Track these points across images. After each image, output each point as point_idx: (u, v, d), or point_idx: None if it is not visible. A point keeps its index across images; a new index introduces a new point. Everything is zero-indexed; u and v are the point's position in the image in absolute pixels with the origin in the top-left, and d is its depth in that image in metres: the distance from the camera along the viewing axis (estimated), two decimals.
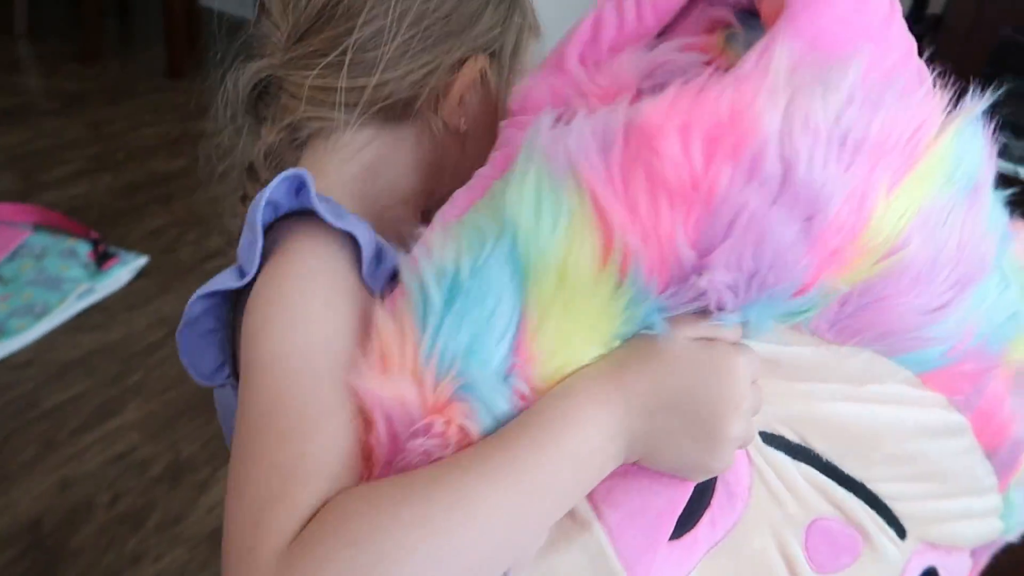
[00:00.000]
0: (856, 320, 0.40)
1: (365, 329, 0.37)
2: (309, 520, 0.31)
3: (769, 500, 0.45)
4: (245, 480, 0.34)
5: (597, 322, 0.36)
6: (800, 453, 0.45)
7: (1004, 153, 1.90)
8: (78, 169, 1.97)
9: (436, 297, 0.35)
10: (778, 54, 0.36)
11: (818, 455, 0.45)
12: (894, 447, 0.45)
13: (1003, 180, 0.44)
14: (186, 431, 1.27)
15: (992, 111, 0.42)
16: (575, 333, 0.36)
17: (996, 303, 0.43)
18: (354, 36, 0.46)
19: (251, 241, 0.40)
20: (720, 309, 0.36)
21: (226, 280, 0.42)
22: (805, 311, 0.39)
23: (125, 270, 1.59)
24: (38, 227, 1.63)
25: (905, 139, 0.37)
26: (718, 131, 0.34)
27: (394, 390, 0.35)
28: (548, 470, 0.34)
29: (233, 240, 0.43)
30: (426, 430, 0.34)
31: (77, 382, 1.33)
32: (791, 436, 0.44)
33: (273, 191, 0.40)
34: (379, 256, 0.41)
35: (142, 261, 1.63)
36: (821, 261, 0.36)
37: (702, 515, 0.42)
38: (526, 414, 0.35)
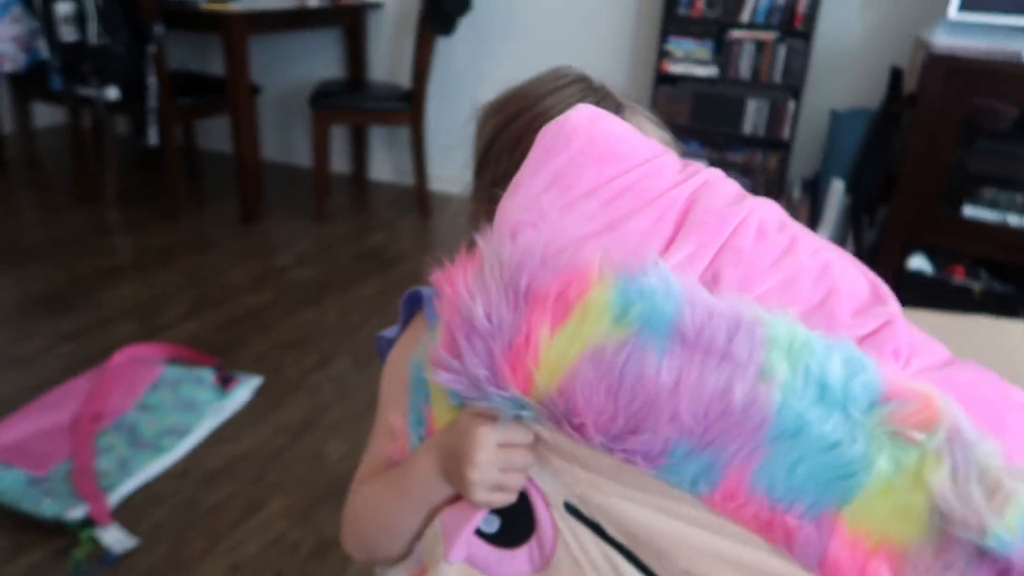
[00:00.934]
0: (582, 433, 0.49)
1: None
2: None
3: (571, 561, 0.54)
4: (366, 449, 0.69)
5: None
6: (596, 529, 0.52)
7: (991, 203, 2.15)
8: (185, 311, 2.27)
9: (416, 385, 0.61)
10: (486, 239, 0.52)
11: (612, 536, 0.52)
12: (687, 564, 0.48)
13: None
14: (324, 515, 1.49)
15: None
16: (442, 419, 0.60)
17: (810, 459, 0.44)
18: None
19: (401, 318, 0.71)
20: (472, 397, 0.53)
21: (389, 332, 0.73)
22: (522, 410, 0.51)
23: (245, 390, 1.85)
24: (170, 361, 1.91)
25: (555, 293, 0.47)
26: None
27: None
28: (413, 490, 0.60)
29: None
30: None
31: (226, 485, 1.56)
32: (585, 511, 0.53)
33: (410, 295, 0.69)
34: None
35: (257, 381, 1.89)
36: (513, 378, 0.48)
37: (527, 540, 0.56)
38: (407, 461, 0.62)
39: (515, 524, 0.56)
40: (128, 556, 1.37)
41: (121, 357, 1.88)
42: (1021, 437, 0.48)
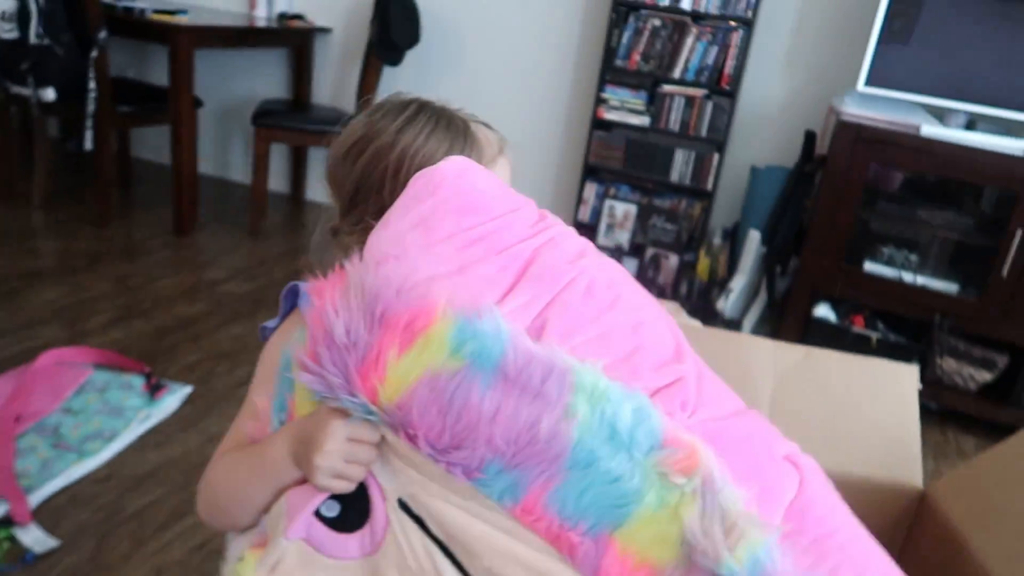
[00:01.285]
0: (415, 442, 0.57)
1: None
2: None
3: (396, 550, 0.62)
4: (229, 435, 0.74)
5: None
6: (421, 525, 0.61)
7: (888, 261, 2.35)
8: (112, 317, 2.25)
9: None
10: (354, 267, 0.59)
11: (434, 532, 0.60)
12: (490, 563, 0.57)
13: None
14: None
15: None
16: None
17: (596, 488, 0.53)
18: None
19: (281, 310, 0.76)
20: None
21: (272, 322, 0.78)
22: (370, 415, 0.58)
23: (174, 398, 1.84)
24: (97, 366, 1.89)
25: (404, 322, 0.55)
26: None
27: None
28: (266, 468, 0.66)
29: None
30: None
31: (152, 490, 1.56)
32: (414, 507, 0.61)
33: (289, 289, 0.75)
34: None
35: (188, 390, 1.89)
36: (362, 388, 0.57)
37: (362, 527, 0.63)
38: (264, 441, 0.68)
39: (353, 512, 0.63)
40: (48, 556, 1.35)
41: (47, 359, 1.85)
42: (772, 487, 0.60)
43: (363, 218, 0.73)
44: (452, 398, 0.54)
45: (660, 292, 2.93)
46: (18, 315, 2.17)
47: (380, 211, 0.67)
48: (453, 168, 0.65)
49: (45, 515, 1.45)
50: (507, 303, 0.58)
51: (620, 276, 0.66)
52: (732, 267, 2.85)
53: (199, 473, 1.63)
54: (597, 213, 3.05)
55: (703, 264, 2.94)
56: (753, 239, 2.70)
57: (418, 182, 0.64)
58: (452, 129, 0.77)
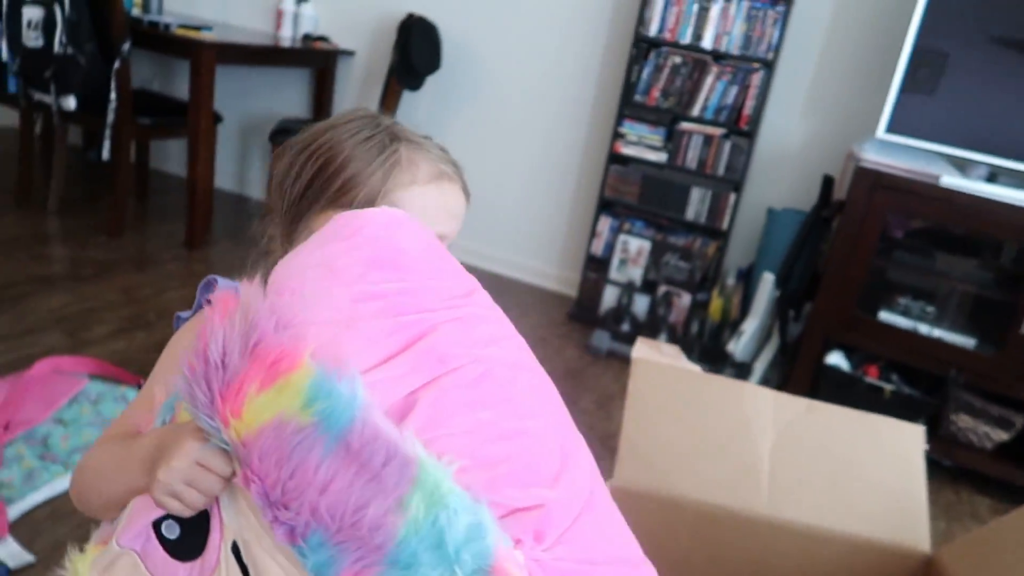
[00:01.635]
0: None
1: None
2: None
3: None
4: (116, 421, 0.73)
5: None
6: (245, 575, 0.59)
7: (904, 311, 2.30)
8: (116, 328, 2.23)
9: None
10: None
11: None
12: None
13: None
14: None
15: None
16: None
17: None
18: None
19: (196, 302, 0.76)
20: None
21: (186, 314, 0.78)
22: (224, 444, 0.54)
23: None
24: (93, 376, 1.88)
25: (272, 359, 0.52)
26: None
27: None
28: (128, 466, 0.63)
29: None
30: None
31: None
32: (244, 556, 0.57)
33: (207, 281, 0.76)
34: None
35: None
36: (222, 411, 0.53)
37: (194, 559, 0.61)
38: (137, 439, 0.66)
39: (191, 540, 0.60)
40: (22, 572, 1.32)
41: (43, 367, 1.83)
42: None
43: (284, 215, 0.75)
44: (292, 452, 0.50)
45: (671, 331, 2.88)
46: (21, 321, 2.16)
47: (293, 205, 0.71)
48: (381, 218, 0.60)
49: (24, 529, 1.42)
50: (380, 371, 0.53)
51: (527, 376, 0.60)
52: (745, 309, 2.80)
53: None
54: (610, 247, 3.02)
55: (716, 304, 2.89)
56: (767, 281, 2.65)
57: (339, 220, 0.60)
58: (384, 140, 0.75)
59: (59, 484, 1.53)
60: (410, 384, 0.53)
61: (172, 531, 0.61)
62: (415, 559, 0.49)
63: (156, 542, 0.61)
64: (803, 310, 2.70)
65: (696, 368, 1.20)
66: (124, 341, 2.17)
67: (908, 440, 1.17)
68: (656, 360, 1.15)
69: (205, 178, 2.92)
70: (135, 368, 2.01)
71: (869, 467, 1.12)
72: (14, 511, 1.43)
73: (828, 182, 2.63)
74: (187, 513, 0.58)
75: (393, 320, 0.55)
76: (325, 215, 0.71)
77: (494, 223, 3.39)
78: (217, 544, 0.59)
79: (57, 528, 1.44)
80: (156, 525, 0.61)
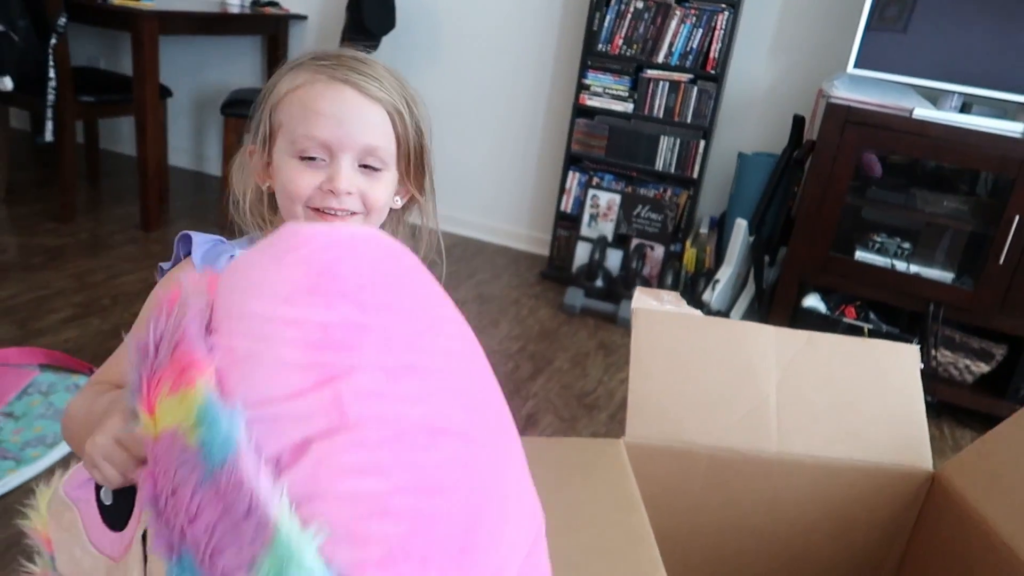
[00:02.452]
0: None
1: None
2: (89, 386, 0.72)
3: (124, 573, 0.61)
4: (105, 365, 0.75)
5: None
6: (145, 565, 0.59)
7: (880, 249, 2.26)
8: (68, 316, 2.14)
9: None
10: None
11: None
12: None
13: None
14: None
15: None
16: None
17: None
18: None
19: (174, 257, 0.79)
20: None
21: (167, 264, 0.80)
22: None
23: None
24: (43, 367, 1.79)
25: (182, 365, 0.47)
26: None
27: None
28: (90, 424, 0.62)
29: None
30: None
31: None
32: (148, 546, 0.57)
33: (182, 236, 0.78)
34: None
35: None
36: (145, 398, 0.48)
37: (120, 530, 0.61)
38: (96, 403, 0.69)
39: (119, 512, 0.61)
40: None
41: None
42: None
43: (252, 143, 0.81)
44: (178, 469, 0.46)
45: (645, 284, 2.83)
46: None
47: (257, 132, 0.78)
48: (322, 238, 0.51)
49: None
50: (282, 406, 0.46)
51: (452, 444, 0.50)
52: (719, 258, 2.75)
53: None
54: (580, 203, 2.95)
55: (689, 255, 2.84)
56: (740, 228, 2.60)
57: (280, 233, 0.52)
58: (298, 60, 0.78)
59: (11, 480, 1.46)
60: (307, 429, 0.45)
61: (107, 497, 0.62)
62: None
63: (94, 505, 0.62)
64: (778, 255, 2.66)
65: (697, 313, 1.16)
66: (77, 328, 2.08)
67: (904, 360, 1.18)
68: (656, 309, 1.11)
69: (156, 156, 2.81)
70: (89, 356, 1.92)
71: (870, 392, 1.13)
72: None
73: (799, 122, 2.57)
74: (109, 484, 0.58)
75: (308, 353, 0.47)
76: (248, 150, 0.80)
77: (462, 187, 3.31)
78: (135, 525, 0.59)
79: (8, 528, 1.37)
80: (98, 487, 0.62)
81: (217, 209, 3.15)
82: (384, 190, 0.78)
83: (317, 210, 0.75)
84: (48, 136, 2.64)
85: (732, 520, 1.15)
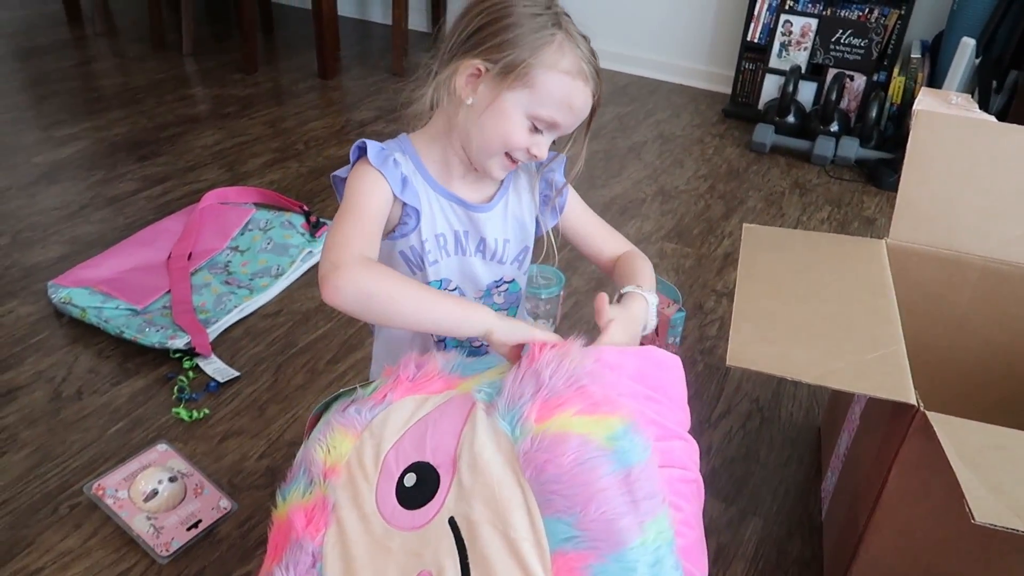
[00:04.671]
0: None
1: (380, 203, 0.82)
2: (359, 261, 0.75)
3: (423, 544, 0.69)
4: (333, 235, 0.78)
5: None
6: (460, 550, 0.69)
7: None
8: (269, 160, 2.23)
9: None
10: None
11: (465, 561, 0.69)
12: None
13: None
14: None
15: None
16: None
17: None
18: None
19: (352, 159, 0.84)
20: None
21: (342, 172, 0.86)
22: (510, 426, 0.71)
23: None
24: (258, 205, 1.89)
25: (593, 401, 0.69)
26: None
27: None
28: (450, 318, 0.77)
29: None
30: None
31: (321, 325, 1.55)
32: (463, 530, 0.68)
33: (357, 145, 0.83)
34: (404, 183, 0.84)
35: None
36: (528, 409, 0.69)
37: (412, 509, 0.70)
38: (451, 298, 0.81)
39: (419, 496, 0.70)
40: (230, 385, 1.38)
41: (210, 199, 1.86)
42: None
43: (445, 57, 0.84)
44: (587, 460, 0.65)
45: (844, 118, 2.58)
46: (181, 159, 2.20)
47: (453, 48, 0.82)
48: (671, 360, 0.81)
49: (223, 347, 1.47)
50: (654, 443, 0.71)
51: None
52: (935, 84, 2.45)
53: None
54: (769, 30, 2.69)
55: (896, 84, 2.55)
56: (965, 48, 2.28)
57: (651, 351, 0.79)
58: (547, 21, 0.80)
59: (247, 306, 1.57)
60: (666, 460, 0.72)
61: (410, 480, 0.72)
62: (635, 565, 0.63)
63: (394, 483, 0.72)
64: (1007, 79, 2.33)
65: (989, 119, 1.03)
66: (279, 171, 2.17)
67: None
68: (941, 112, 1.00)
69: (329, 3, 2.79)
70: (293, 194, 2.01)
71: None
72: (212, 332, 1.48)
73: None
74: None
75: (657, 422, 0.74)
76: (470, 62, 0.81)
77: (632, 21, 3.10)
78: (433, 513, 0.69)
79: (253, 345, 1.48)
80: (403, 473, 0.72)
81: (388, 57, 3.13)
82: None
83: (507, 155, 0.85)
84: None
85: (1001, 342, 1.05)
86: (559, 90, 0.81)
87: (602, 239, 0.99)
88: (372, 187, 0.81)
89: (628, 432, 0.68)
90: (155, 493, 1.10)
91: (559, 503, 0.64)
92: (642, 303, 0.86)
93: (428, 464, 0.71)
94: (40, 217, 1.86)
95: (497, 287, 0.94)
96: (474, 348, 0.95)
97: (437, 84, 0.84)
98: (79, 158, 2.17)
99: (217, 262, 1.69)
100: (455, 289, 0.92)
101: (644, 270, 0.92)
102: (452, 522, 0.67)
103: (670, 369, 0.80)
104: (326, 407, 0.85)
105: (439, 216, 0.88)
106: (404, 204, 0.84)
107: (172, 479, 1.12)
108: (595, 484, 0.64)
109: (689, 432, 0.79)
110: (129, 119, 2.44)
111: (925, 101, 1.02)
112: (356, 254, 0.75)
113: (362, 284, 0.74)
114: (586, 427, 0.67)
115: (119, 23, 3.38)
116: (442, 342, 0.94)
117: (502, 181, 0.91)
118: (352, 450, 0.75)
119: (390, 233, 0.87)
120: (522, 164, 0.88)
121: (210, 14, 3.62)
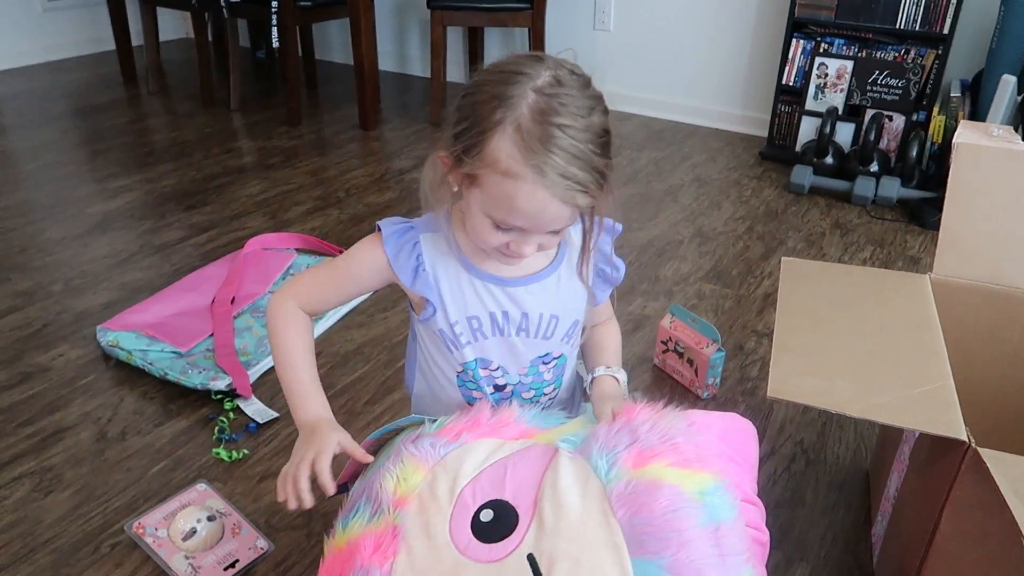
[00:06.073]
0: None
1: (362, 280, 0.87)
2: (285, 306, 0.88)
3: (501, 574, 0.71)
4: (303, 273, 0.90)
5: None
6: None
7: None
8: (310, 208, 2.29)
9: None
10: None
11: None
12: None
13: None
14: None
15: None
16: None
17: None
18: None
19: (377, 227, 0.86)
20: None
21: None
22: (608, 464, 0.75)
23: None
24: (300, 251, 1.93)
25: (687, 456, 0.73)
26: None
27: None
28: (291, 389, 0.91)
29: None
30: None
31: (359, 367, 1.57)
32: (540, 568, 0.69)
33: (385, 223, 0.85)
34: (416, 273, 0.83)
35: None
36: (623, 456, 0.73)
37: (489, 543, 0.69)
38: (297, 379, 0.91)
39: (496, 531, 0.70)
40: (269, 426, 1.39)
41: (253, 245, 1.90)
42: None
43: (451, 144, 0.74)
44: (679, 508, 0.68)
45: (883, 158, 2.55)
46: (227, 208, 2.26)
47: (463, 140, 0.71)
48: (742, 422, 0.87)
49: (263, 389, 1.49)
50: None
51: None
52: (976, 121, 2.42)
53: (401, 351, 1.60)
54: (804, 73, 2.70)
55: (936, 123, 2.52)
56: (1007, 85, 2.25)
57: (732, 419, 0.86)
58: (509, 114, 0.69)
59: None
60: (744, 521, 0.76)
61: (487, 516, 0.71)
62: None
63: (469, 517, 0.72)
64: None
65: None
66: (320, 218, 2.22)
67: None
68: (982, 144, 0.99)
69: (370, 56, 2.88)
70: (333, 240, 2.04)
71: None
72: (253, 374, 1.50)
73: None
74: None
75: (738, 483, 0.78)
76: (442, 150, 0.76)
77: (668, 67, 3.13)
78: (511, 548, 0.69)
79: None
80: (479, 509, 0.72)
81: (426, 108, 3.21)
82: (562, 236, 0.81)
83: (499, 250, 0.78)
84: (275, 42, 2.79)
85: None
86: (505, 194, 0.70)
87: (599, 311, 0.96)
88: (365, 265, 0.85)
89: (719, 489, 0.71)
90: (193, 532, 1.10)
91: (651, 545, 0.66)
92: (613, 383, 0.91)
93: (507, 502, 0.72)
94: (91, 265, 1.93)
95: (544, 363, 0.90)
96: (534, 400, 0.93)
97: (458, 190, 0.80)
98: (130, 208, 2.25)
99: (259, 306, 1.72)
100: (497, 368, 0.88)
101: (610, 346, 0.96)
102: (531, 558, 0.68)
103: (747, 434, 0.84)
104: (390, 432, 0.87)
105: (472, 299, 0.83)
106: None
107: (211, 518, 1.13)
108: (686, 532, 0.66)
109: None
110: (178, 171, 2.53)
111: (965, 134, 1.01)
112: (293, 298, 0.87)
113: (270, 322, 0.87)
114: (679, 479, 0.70)
115: (171, 82, 3.53)
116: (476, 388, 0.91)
117: (556, 251, 0.86)
118: (423, 482, 0.74)
119: (420, 315, 0.86)
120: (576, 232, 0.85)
121: (257, 72, 3.76)
